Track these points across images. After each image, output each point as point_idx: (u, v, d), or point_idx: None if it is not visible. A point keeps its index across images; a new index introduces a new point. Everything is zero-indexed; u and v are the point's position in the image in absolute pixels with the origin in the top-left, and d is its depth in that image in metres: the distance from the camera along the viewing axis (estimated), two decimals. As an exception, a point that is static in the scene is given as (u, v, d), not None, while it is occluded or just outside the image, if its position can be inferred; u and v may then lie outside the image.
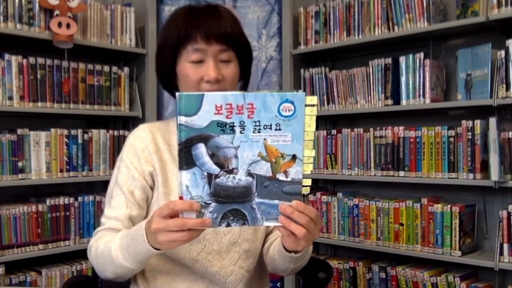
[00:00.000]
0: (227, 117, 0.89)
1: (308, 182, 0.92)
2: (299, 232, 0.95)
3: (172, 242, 0.97)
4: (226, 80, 1.22)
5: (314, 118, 0.90)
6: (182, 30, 1.21)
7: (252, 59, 1.34)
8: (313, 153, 0.91)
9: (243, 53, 1.27)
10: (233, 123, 0.89)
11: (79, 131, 2.60)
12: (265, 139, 0.90)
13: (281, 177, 0.91)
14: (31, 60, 2.43)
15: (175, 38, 1.23)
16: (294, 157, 0.91)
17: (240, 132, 0.89)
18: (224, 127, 0.89)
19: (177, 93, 0.90)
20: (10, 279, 2.34)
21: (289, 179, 0.91)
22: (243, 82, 1.35)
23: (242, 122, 0.89)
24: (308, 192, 0.93)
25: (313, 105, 0.90)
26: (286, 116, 0.89)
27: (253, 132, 0.89)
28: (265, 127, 0.89)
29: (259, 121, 0.89)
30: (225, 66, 1.23)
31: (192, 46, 1.20)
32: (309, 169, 0.91)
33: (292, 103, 0.89)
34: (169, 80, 1.30)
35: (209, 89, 1.20)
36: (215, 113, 0.89)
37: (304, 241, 1.00)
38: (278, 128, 0.89)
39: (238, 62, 1.26)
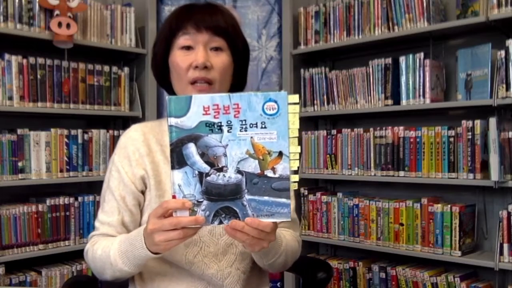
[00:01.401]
0: (214, 117, 0.92)
1: (296, 178, 0.94)
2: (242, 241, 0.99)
3: (168, 241, 0.99)
4: (215, 69, 1.21)
5: (297, 115, 0.93)
6: (173, 23, 1.23)
7: (249, 60, 1.33)
8: (298, 149, 0.94)
9: (237, 50, 1.26)
10: (220, 122, 0.92)
11: (79, 131, 2.60)
12: (251, 137, 0.93)
13: (269, 173, 0.94)
14: (31, 60, 2.43)
15: (167, 30, 1.24)
16: (280, 154, 0.93)
17: (228, 131, 0.93)
18: (212, 127, 0.93)
19: (166, 97, 0.93)
20: (10, 279, 2.34)
21: (277, 175, 0.94)
22: (237, 87, 1.32)
23: (229, 122, 0.93)
24: (297, 188, 0.95)
25: (296, 103, 0.93)
26: (270, 115, 0.92)
27: (240, 131, 0.93)
28: (251, 125, 0.92)
29: (245, 120, 0.92)
30: (216, 54, 1.22)
31: (183, 32, 1.22)
32: (295, 165, 0.94)
33: (276, 102, 0.92)
34: (163, 76, 1.30)
35: (197, 76, 1.20)
36: (203, 114, 0.92)
37: (250, 248, 1.02)
38: (263, 126, 0.92)
39: (231, 55, 1.25)
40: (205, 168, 0.94)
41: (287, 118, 0.92)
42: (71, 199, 2.56)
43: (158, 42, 1.28)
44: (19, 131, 2.40)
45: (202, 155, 0.93)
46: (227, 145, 0.93)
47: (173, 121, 0.93)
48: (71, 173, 2.56)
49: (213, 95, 0.93)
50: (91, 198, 2.63)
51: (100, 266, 1.19)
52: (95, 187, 2.80)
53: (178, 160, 0.93)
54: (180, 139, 0.93)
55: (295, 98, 0.93)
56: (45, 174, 2.47)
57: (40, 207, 2.45)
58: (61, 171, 2.52)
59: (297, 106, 0.93)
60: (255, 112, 0.92)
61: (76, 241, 2.56)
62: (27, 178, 2.42)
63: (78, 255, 2.60)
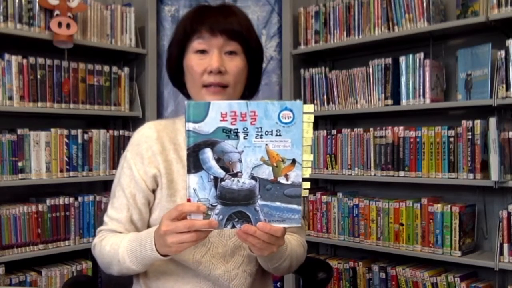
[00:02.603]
0: (231, 123, 0.95)
1: (307, 185, 0.97)
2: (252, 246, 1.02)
3: (180, 243, 1.00)
4: (229, 74, 1.21)
5: (311, 125, 0.96)
6: (188, 25, 1.23)
7: (263, 60, 1.32)
8: (311, 157, 0.96)
9: (251, 52, 1.26)
10: (237, 129, 0.95)
11: (79, 131, 2.60)
12: (266, 144, 0.95)
13: (282, 180, 0.96)
14: (31, 60, 2.43)
15: (181, 33, 1.24)
16: (294, 161, 0.95)
17: (244, 138, 0.95)
18: (229, 133, 0.95)
19: (185, 102, 0.95)
20: (10, 279, 2.34)
21: (289, 182, 0.96)
22: (251, 88, 1.32)
23: (245, 129, 0.95)
24: (307, 195, 0.98)
25: (310, 113, 0.95)
26: (285, 123, 0.95)
27: (256, 138, 0.95)
28: (266, 133, 0.95)
29: (261, 128, 0.95)
30: (230, 59, 1.22)
31: (197, 37, 1.22)
32: (307, 173, 0.96)
33: (291, 110, 0.95)
34: (178, 78, 1.30)
35: (211, 81, 1.20)
36: (221, 120, 0.94)
37: (259, 252, 1.04)
38: (278, 134, 0.95)
39: (245, 58, 1.25)
40: (221, 173, 0.96)
41: (301, 126, 0.95)
42: (71, 199, 2.56)
43: (172, 44, 1.28)
44: (19, 131, 2.40)
45: (218, 160, 0.95)
46: (242, 151, 0.95)
47: (191, 126, 0.95)
48: (71, 173, 2.56)
49: (231, 102, 0.95)
50: (91, 198, 2.63)
51: (108, 262, 1.21)
52: (95, 187, 2.81)
53: (194, 164, 0.96)
54: (197, 144, 0.95)
55: (310, 107, 0.95)
56: (45, 174, 2.46)
57: (40, 207, 2.44)
58: (61, 171, 2.52)
59: (312, 116, 0.95)
60: (271, 120, 0.94)
61: (76, 241, 2.56)
62: (27, 178, 2.42)
63: (78, 255, 2.61)
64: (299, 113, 0.94)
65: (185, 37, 1.23)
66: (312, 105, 0.96)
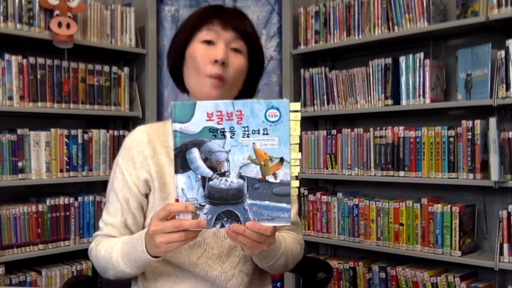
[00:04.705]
0: (218, 123, 0.94)
1: (296, 183, 0.96)
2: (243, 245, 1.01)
3: (169, 243, 1.01)
4: (231, 68, 1.21)
5: (299, 123, 0.95)
6: (202, 16, 1.24)
7: (263, 72, 1.33)
8: (299, 155, 0.96)
9: (254, 58, 1.26)
10: (224, 128, 0.94)
11: (79, 131, 2.60)
12: (254, 143, 0.95)
13: (270, 179, 0.96)
14: (31, 60, 2.43)
15: (194, 20, 1.24)
16: (282, 160, 0.95)
17: (231, 137, 0.95)
18: (216, 133, 0.95)
19: (171, 102, 0.97)
20: (10, 279, 2.34)
21: (278, 180, 0.95)
22: (248, 92, 1.32)
23: (232, 128, 0.94)
24: (297, 193, 0.98)
25: (297, 111, 0.95)
26: (272, 122, 0.94)
27: (243, 137, 0.95)
28: (253, 132, 0.94)
29: (247, 127, 0.94)
30: (235, 55, 1.22)
31: (208, 27, 1.22)
32: (296, 171, 0.96)
33: (278, 109, 0.94)
34: (176, 68, 1.29)
35: (215, 72, 1.19)
36: (207, 120, 0.94)
37: (250, 251, 1.04)
38: (265, 132, 0.94)
39: (248, 62, 1.25)
40: (208, 172, 0.95)
41: (288, 125, 0.94)
42: (71, 199, 2.56)
43: (180, 32, 1.27)
44: (19, 131, 2.40)
45: (205, 160, 0.95)
46: (229, 150, 0.95)
47: (177, 126, 0.95)
48: (71, 173, 2.56)
49: (217, 102, 0.95)
50: (91, 198, 2.63)
51: (103, 266, 1.22)
52: (95, 187, 2.81)
53: (181, 164, 0.95)
54: (184, 144, 0.95)
55: (296, 105, 0.95)
56: (45, 174, 2.47)
57: (40, 207, 2.45)
58: (61, 171, 2.52)
59: (299, 114, 0.94)
60: (258, 119, 0.94)
61: (76, 241, 2.56)
62: (27, 178, 2.42)
63: (78, 255, 2.61)
64: (286, 112, 0.94)
65: (195, 26, 1.23)
66: (299, 103, 0.95)
